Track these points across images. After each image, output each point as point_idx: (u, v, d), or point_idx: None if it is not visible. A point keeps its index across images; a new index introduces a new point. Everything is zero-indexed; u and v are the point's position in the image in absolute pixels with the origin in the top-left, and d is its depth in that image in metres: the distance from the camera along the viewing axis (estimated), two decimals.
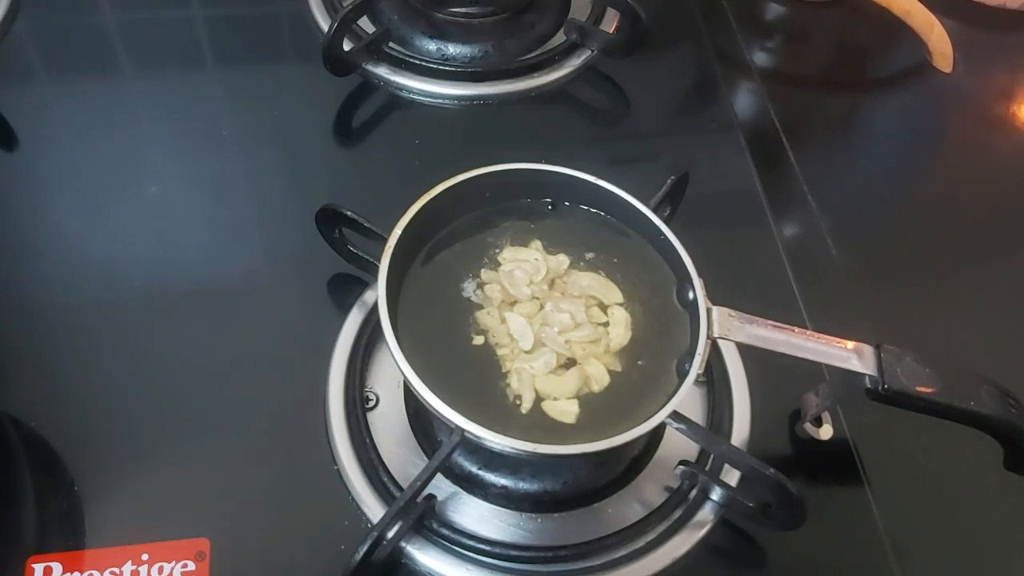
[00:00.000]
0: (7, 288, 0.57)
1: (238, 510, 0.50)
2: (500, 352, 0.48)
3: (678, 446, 0.52)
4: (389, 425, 0.53)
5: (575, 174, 0.52)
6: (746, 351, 0.55)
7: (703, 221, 0.62)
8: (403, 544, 0.48)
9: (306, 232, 0.56)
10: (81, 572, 0.47)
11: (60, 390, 0.53)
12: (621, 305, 0.50)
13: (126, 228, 0.61)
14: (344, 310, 0.57)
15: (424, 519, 0.48)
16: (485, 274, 0.51)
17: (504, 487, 0.50)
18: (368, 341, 0.55)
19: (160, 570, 0.47)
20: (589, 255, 0.52)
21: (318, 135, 0.69)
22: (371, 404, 0.53)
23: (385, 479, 0.50)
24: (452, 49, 0.72)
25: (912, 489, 0.54)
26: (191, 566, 0.47)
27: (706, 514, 0.51)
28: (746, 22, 0.80)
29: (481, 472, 0.51)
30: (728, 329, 0.47)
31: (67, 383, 0.54)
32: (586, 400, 0.47)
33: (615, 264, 0.52)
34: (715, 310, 0.47)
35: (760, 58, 0.79)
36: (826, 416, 0.54)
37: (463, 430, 0.43)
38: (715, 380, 0.55)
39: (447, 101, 0.71)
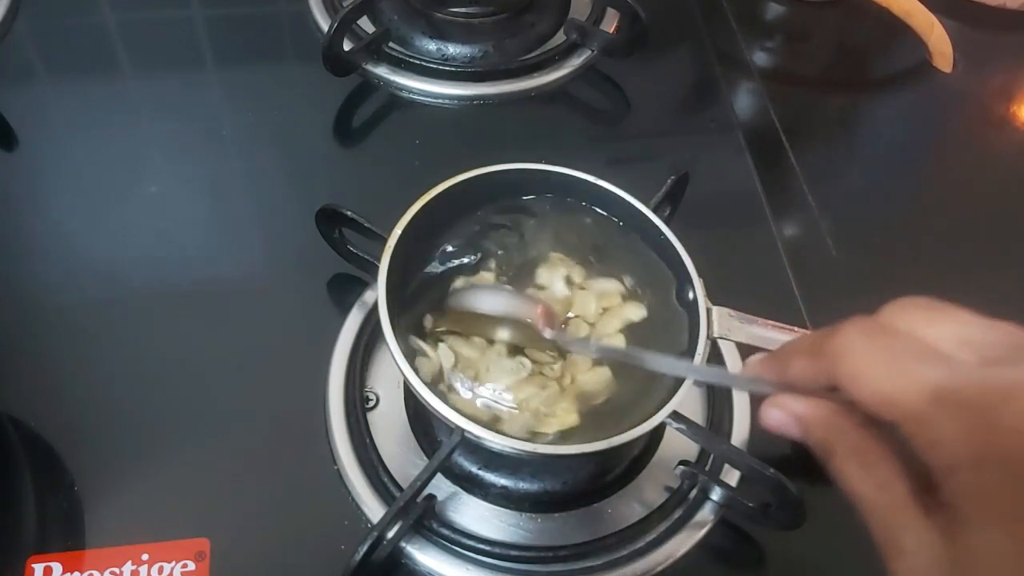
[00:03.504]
0: (7, 288, 0.57)
1: (238, 510, 0.50)
2: None
3: (678, 446, 0.52)
4: (389, 425, 0.53)
5: (575, 174, 0.52)
6: (746, 351, 0.55)
7: (703, 221, 0.62)
8: (403, 544, 0.48)
9: (306, 232, 0.56)
10: (81, 572, 0.46)
11: (60, 390, 0.53)
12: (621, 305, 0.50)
13: (126, 228, 0.61)
14: (344, 310, 0.57)
15: (424, 519, 0.48)
16: (485, 274, 0.51)
17: (504, 487, 0.50)
18: (368, 341, 0.55)
19: (160, 570, 0.47)
20: (589, 255, 0.52)
21: (318, 135, 0.69)
22: (371, 404, 0.53)
23: (385, 479, 0.50)
24: (452, 49, 0.72)
25: None
26: (191, 566, 0.47)
27: (706, 514, 0.51)
28: (746, 22, 0.80)
29: (481, 472, 0.51)
30: (728, 329, 0.47)
31: (67, 383, 0.54)
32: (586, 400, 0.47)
33: (615, 264, 0.52)
34: (715, 310, 0.47)
35: (760, 58, 0.79)
36: None
37: (463, 430, 0.43)
38: None
39: (447, 101, 0.71)
